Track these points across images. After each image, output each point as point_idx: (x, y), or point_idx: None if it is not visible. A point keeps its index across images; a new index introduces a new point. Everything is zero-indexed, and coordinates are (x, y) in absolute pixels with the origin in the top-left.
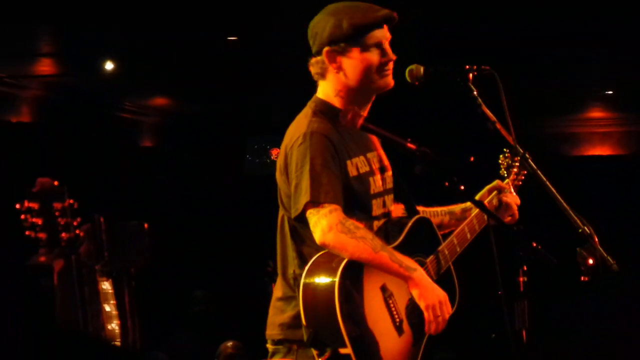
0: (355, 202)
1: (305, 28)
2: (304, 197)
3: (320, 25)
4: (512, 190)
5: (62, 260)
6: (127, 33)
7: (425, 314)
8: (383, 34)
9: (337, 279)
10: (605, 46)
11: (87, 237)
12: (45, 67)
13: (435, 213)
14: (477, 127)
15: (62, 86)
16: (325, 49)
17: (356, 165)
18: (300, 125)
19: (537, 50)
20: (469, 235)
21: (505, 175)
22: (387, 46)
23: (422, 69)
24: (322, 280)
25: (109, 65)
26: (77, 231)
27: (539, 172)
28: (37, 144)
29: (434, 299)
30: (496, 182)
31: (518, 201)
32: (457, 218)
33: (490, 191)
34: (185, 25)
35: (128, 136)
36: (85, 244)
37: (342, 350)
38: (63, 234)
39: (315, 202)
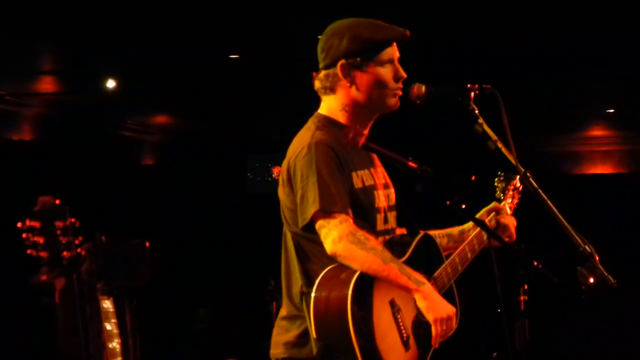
0: (360, 214)
1: (306, 46)
2: (313, 206)
3: (337, 38)
4: (509, 211)
5: (63, 279)
6: (129, 51)
7: (433, 328)
8: (395, 52)
9: (349, 292)
10: (606, 64)
11: (88, 255)
12: (46, 85)
13: (434, 235)
14: (478, 146)
15: (63, 104)
16: (341, 62)
17: (361, 177)
18: (303, 138)
19: (539, 69)
20: (469, 255)
21: (502, 197)
22: (398, 64)
23: (424, 88)
24: (333, 293)
25: (111, 84)
26: (79, 250)
27: (539, 190)
28: (38, 162)
29: (442, 313)
30: (494, 203)
31: (515, 222)
32: (455, 240)
33: (488, 212)
34: (187, 43)
35: (130, 154)
36: (86, 262)
37: None
38: (65, 253)
39: (325, 211)
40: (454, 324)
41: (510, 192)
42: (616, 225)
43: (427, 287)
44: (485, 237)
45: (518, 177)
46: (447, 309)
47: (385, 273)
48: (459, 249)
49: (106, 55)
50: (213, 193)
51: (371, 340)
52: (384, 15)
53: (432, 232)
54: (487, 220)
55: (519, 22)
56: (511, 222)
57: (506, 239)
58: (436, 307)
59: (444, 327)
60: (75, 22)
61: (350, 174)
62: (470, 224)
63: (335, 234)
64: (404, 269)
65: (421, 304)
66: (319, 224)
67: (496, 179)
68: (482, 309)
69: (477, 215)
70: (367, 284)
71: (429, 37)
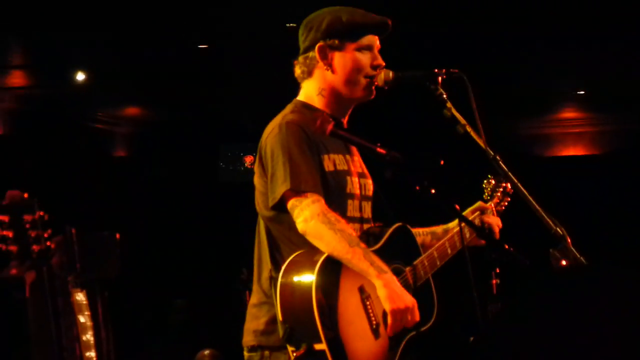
0: (329, 197)
1: (278, 36)
2: (283, 185)
3: (317, 20)
4: (495, 213)
5: (33, 273)
6: (98, 43)
7: (389, 317)
8: (375, 41)
9: (314, 275)
10: (576, 46)
11: (58, 248)
12: (16, 79)
13: (417, 233)
14: (447, 130)
15: (34, 98)
16: (319, 43)
17: (333, 161)
18: (275, 120)
19: (509, 52)
20: (449, 251)
21: (489, 199)
22: (377, 52)
23: (391, 73)
24: (299, 276)
25: (81, 76)
26: (48, 243)
27: (510, 174)
28: (8, 156)
29: (400, 304)
30: (479, 203)
31: (500, 223)
32: (438, 238)
33: (473, 212)
34: (155, 34)
35: (101, 146)
36: (57, 255)
37: (317, 346)
38: (34, 246)
39: (296, 190)
40: (416, 316)
41: (499, 194)
42: (589, 207)
43: (389, 276)
44: (468, 234)
45: (508, 182)
46: (406, 301)
47: (349, 256)
48: (438, 244)
49: (75, 48)
50: (185, 183)
51: (335, 325)
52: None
53: (416, 230)
54: (471, 219)
55: (486, 4)
56: (495, 222)
57: None
58: (395, 297)
59: (402, 318)
60: (43, 16)
61: (322, 156)
62: (454, 222)
63: (307, 213)
64: (368, 255)
65: (381, 293)
66: (290, 203)
67: (485, 181)
68: (456, 294)
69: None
70: (333, 269)
71: (394, 20)
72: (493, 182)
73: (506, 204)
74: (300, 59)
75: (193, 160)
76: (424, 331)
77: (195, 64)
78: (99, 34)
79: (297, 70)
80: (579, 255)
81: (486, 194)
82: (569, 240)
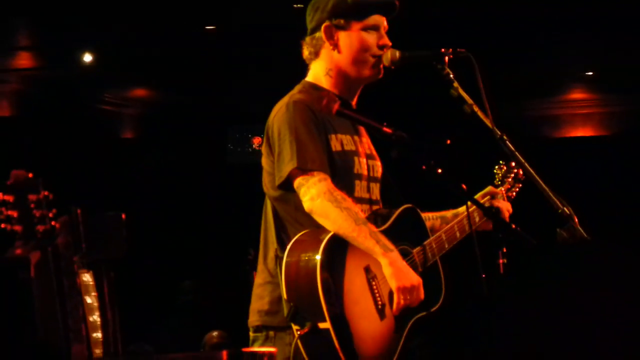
0: (336, 176)
1: (286, 15)
2: (290, 164)
3: (324, 0)
4: (505, 198)
5: (38, 253)
6: (105, 24)
7: (395, 295)
8: (382, 21)
9: (319, 254)
10: (584, 27)
11: (64, 228)
12: (23, 60)
13: (427, 217)
14: (454, 110)
15: (41, 79)
16: (325, 23)
17: (341, 141)
18: (283, 100)
19: (516, 32)
20: (458, 234)
21: (500, 184)
22: (384, 33)
23: (397, 53)
24: (304, 255)
25: (88, 57)
26: (53, 223)
27: (517, 153)
28: (17, 138)
29: (405, 281)
30: (489, 187)
31: (510, 208)
32: (447, 222)
33: (483, 196)
34: (163, 15)
35: (108, 128)
36: (62, 235)
37: (322, 325)
38: (39, 226)
39: (303, 169)
40: (421, 295)
41: (510, 180)
42: (597, 188)
43: (395, 254)
44: (477, 219)
45: (520, 169)
46: (412, 279)
47: (355, 234)
48: (447, 227)
49: (82, 29)
50: (193, 165)
51: (340, 304)
52: None
53: (425, 214)
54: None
55: None
56: (505, 206)
57: None
58: (400, 275)
59: (407, 296)
60: None
61: (329, 136)
62: (464, 207)
63: (313, 192)
64: (375, 233)
65: (386, 270)
66: (297, 182)
67: (496, 167)
68: (463, 275)
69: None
70: (339, 248)
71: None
72: (505, 167)
73: (517, 190)
74: (307, 39)
75: (201, 142)
76: (430, 314)
77: (203, 46)
78: (106, 15)
79: (305, 52)
80: (585, 235)
81: (497, 179)
82: (576, 220)
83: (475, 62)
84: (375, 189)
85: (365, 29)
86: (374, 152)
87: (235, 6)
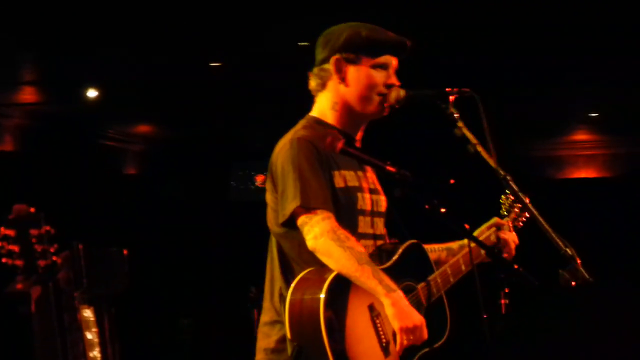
0: (339, 214)
1: (289, 53)
2: (293, 202)
3: (336, 33)
4: (511, 229)
5: (39, 288)
6: (110, 60)
7: (398, 336)
8: (392, 61)
9: (322, 293)
10: (590, 69)
11: (65, 264)
12: (28, 95)
13: (432, 249)
14: (458, 150)
15: (45, 114)
16: (336, 56)
17: (344, 177)
18: (286, 136)
19: (523, 73)
20: (463, 267)
21: (506, 215)
22: (392, 72)
23: (402, 92)
24: (307, 295)
25: (92, 93)
26: (55, 258)
27: (520, 193)
28: (20, 173)
29: (408, 322)
30: (495, 219)
31: (516, 240)
32: (453, 254)
33: (488, 228)
34: (168, 52)
35: (112, 164)
36: (63, 270)
37: None
38: (40, 261)
39: (306, 207)
40: (424, 334)
41: (516, 210)
42: (600, 229)
43: (397, 294)
44: (482, 252)
45: (527, 197)
46: (415, 319)
47: (358, 273)
48: (452, 260)
49: (87, 65)
50: (196, 201)
51: (344, 343)
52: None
53: (431, 246)
54: (485, 236)
55: (503, 26)
56: (512, 238)
57: (505, 255)
58: (403, 316)
59: (410, 337)
60: (55, 32)
61: (333, 172)
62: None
63: (317, 230)
64: (377, 273)
65: (389, 311)
66: (300, 220)
67: (503, 196)
68: (466, 313)
69: (478, 230)
70: (342, 287)
71: (410, 41)
72: (511, 197)
73: (524, 219)
74: (316, 70)
75: (204, 178)
76: (435, 349)
77: (208, 82)
78: (111, 51)
79: (312, 83)
80: (588, 276)
81: (503, 209)
82: (579, 261)
83: (479, 102)
84: (380, 224)
85: (375, 66)
86: (379, 187)
87: (240, 43)
